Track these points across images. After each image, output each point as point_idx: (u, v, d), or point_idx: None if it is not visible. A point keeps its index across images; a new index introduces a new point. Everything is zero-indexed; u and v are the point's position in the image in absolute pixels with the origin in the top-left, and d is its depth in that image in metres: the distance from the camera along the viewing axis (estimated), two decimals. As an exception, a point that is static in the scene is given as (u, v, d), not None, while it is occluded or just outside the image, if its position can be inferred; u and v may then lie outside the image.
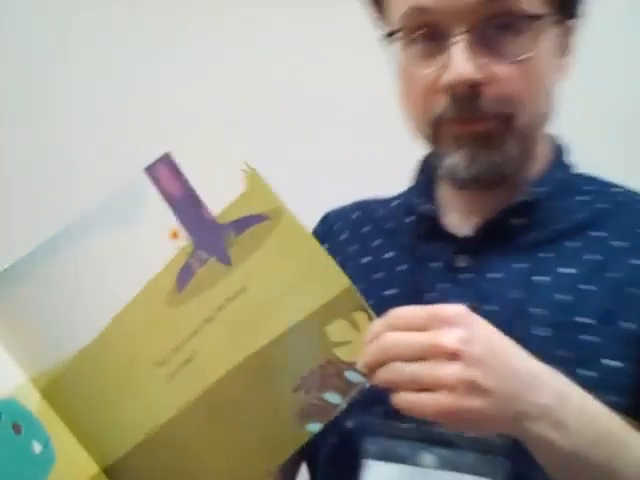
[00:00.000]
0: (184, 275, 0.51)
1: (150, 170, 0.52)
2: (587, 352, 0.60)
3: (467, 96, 0.60)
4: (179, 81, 1.26)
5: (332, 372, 0.52)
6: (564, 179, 0.70)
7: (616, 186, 0.71)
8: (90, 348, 0.50)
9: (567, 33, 0.67)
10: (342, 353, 0.52)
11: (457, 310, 0.49)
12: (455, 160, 0.63)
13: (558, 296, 0.62)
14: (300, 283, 0.52)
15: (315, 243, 0.54)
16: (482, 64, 0.60)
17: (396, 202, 0.78)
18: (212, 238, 0.51)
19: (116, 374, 0.50)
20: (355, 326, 0.52)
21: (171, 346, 0.50)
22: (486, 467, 0.53)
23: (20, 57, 1.27)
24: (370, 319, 0.52)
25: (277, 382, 0.52)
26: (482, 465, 0.53)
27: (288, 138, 1.23)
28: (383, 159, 1.12)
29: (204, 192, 0.52)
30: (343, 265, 0.53)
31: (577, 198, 0.69)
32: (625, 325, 0.60)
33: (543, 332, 0.61)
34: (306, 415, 0.52)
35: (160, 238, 0.51)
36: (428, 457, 0.55)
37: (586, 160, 0.71)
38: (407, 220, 0.72)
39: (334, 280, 0.53)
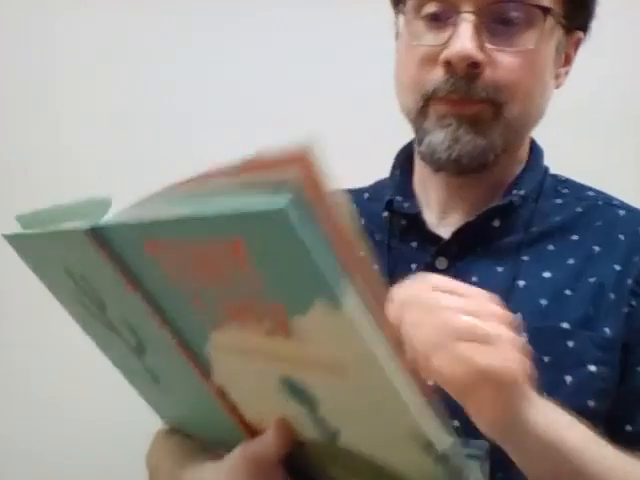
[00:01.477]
0: None
1: None
2: (569, 358, 0.60)
3: (464, 75, 0.60)
4: (187, 83, 1.27)
5: None
6: (541, 182, 0.70)
7: (590, 189, 0.71)
8: None
9: (570, 44, 0.67)
10: None
11: None
12: (438, 139, 0.63)
13: (540, 301, 0.62)
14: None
15: None
16: (485, 47, 0.60)
17: (366, 195, 0.76)
18: None
19: None
20: None
21: None
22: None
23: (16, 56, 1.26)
24: None
25: None
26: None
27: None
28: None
29: None
30: None
31: (555, 201, 0.69)
32: (605, 330, 0.60)
33: (524, 337, 0.60)
34: None
35: None
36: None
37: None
38: (383, 216, 0.71)
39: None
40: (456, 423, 0.58)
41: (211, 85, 1.26)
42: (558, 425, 0.47)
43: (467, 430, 0.57)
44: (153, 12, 1.26)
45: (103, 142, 1.24)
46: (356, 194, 0.78)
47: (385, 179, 0.77)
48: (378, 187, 0.77)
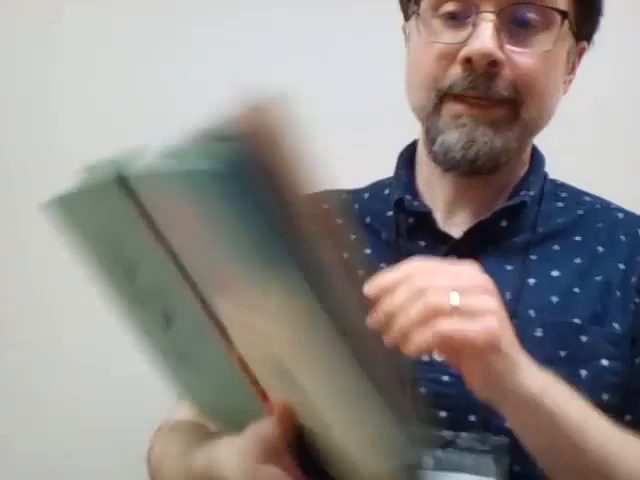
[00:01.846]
0: None
1: None
2: (584, 352, 0.61)
3: (483, 73, 0.61)
4: (187, 83, 1.26)
5: None
6: (542, 185, 0.71)
7: (587, 194, 0.73)
8: None
9: (577, 52, 0.69)
10: None
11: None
12: (452, 138, 0.63)
13: (551, 298, 0.63)
14: None
15: None
16: (505, 47, 0.61)
17: (367, 194, 0.76)
18: None
19: None
20: None
21: None
22: (485, 466, 0.53)
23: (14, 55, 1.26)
24: None
25: None
26: (481, 464, 0.53)
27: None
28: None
29: None
30: None
31: (556, 204, 0.71)
32: (614, 326, 0.62)
33: (539, 333, 0.62)
34: None
35: None
36: (427, 459, 0.55)
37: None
38: (387, 215, 0.71)
39: None
40: (472, 418, 0.58)
41: (211, 85, 1.26)
42: (555, 396, 0.49)
43: (485, 425, 0.58)
44: (153, 12, 1.26)
45: (103, 142, 1.24)
46: (355, 194, 0.78)
47: (383, 180, 0.77)
48: (377, 187, 0.78)
